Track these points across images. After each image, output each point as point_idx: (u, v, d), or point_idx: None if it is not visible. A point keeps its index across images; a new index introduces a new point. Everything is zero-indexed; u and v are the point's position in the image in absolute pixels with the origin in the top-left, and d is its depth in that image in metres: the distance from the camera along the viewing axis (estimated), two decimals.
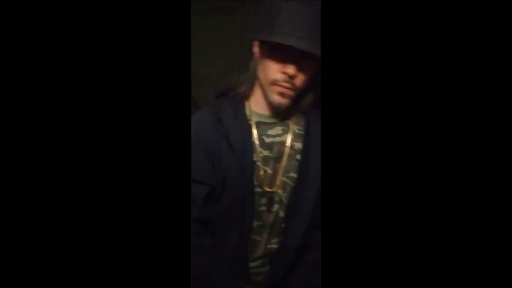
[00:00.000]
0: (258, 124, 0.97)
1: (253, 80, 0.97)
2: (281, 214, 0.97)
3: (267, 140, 0.97)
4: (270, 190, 0.94)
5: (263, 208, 0.96)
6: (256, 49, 0.93)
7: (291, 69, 0.87)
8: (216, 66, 1.44)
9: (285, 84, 0.90)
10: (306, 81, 0.93)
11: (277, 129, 0.98)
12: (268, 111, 0.99)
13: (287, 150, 0.97)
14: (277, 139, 0.98)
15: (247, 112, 0.98)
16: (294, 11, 0.85)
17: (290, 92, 0.91)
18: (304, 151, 0.97)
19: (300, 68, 0.89)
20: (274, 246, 0.98)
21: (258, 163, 0.94)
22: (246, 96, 0.99)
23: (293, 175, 0.97)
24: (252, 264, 0.98)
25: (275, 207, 0.96)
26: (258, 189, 0.95)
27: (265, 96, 0.95)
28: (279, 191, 0.96)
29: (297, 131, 0.99)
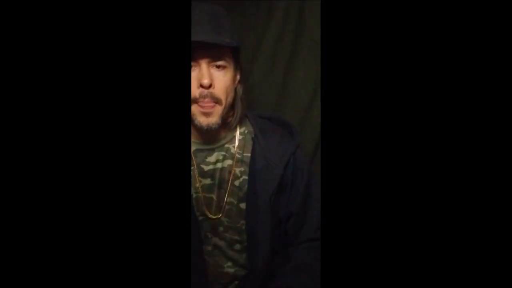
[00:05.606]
0: (196, 153, 0.95)
1: None
2: (228, 238, 0.97)
3: (206, 168, 0.95)
4: (214, 216, 0.96)
5: (209, 235, 0.97)
6: None
7: (205, 79, 0.84)
8: None
9: (206, 101, 0.85)
10: (229, 91, 0.89)
11: (217, 155, 0.96)
12: (201, 138, 0.96)
13: (228, 176, 0.95)
14: (218, 165, 0.96)
15: None
16: (202, 13, 0.86)
17: (214, 109, 0.87)
18: (250, 175, 0.94)
19: (216, 77, 0.86)
20: (241, 272, 0.99)
21: (197, 194, 0.94)
22: None
23: (233, 200, 0.96)
24: None
25: (220, 231, 0.97)
26: (200, 217, 0.95)
27: (193, 121, 0.88)
28: (222, 217, 0.96)
29: (237, 155, 0.96)
